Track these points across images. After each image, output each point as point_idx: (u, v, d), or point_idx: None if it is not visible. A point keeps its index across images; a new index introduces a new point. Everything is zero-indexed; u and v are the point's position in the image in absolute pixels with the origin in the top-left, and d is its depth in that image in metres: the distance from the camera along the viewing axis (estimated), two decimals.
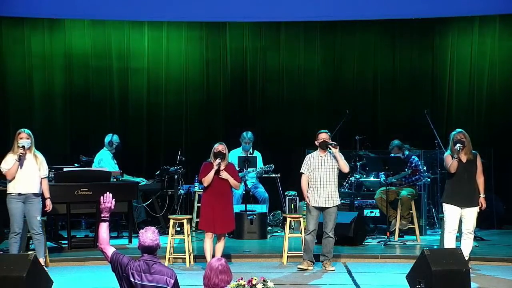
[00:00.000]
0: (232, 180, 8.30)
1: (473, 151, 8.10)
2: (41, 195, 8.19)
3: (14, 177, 8.04)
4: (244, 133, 11.19)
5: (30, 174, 8.07)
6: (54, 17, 12.32)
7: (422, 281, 6.61)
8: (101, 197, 5.09)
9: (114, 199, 5.11)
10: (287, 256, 8.88)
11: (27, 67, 12.44)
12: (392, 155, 10.45)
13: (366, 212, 10.93)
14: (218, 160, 8.21)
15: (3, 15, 12.06)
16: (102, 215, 5.10)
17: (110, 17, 12.37)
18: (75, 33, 12.58)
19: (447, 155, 8.12)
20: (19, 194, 8.04)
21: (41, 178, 8.17)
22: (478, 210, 8.08)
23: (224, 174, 8.24)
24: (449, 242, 7.95)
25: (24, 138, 8.04)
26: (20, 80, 12.45)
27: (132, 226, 10.15)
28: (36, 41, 12.46)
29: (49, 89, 12.54)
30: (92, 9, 12.00)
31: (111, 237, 5.35)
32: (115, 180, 10.17)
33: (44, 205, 8.24)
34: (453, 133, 8.12)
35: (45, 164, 8.25)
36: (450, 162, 7.98)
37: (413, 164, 10.42)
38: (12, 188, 8.07)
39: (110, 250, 5.02)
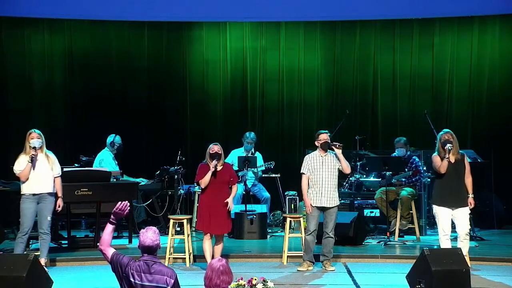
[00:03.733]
0: (234, 191, 8.34)
1: (460, 151, 8.10)
2: (54, 194, 8.23)
3: (27, 178, 8.06)
4: (247, 133, 11.20)
5: (43, 174, 8.11)
6: (54, 17, 12.33)
7: (422, 281, 6.61)
8: (120, 202, 5.09)
9: (129, 209, 5.13)
10: (287, 256, 8.87)
11: (27, 67, 12.45)
12: (397, 149, 10.42)
13: (366, 212, 10.92)
14: (214, 162, 8.13)
15: (3, 15, 12.07)
16: (112, 217, 5.11)
17: (110, 17, 12.38)
18: (75, 33, 12.59)
19: (434, 155, 8.09)
20: (34, 195, 8.07)
21: (54, 177, 8.21)
22: (469, 210, 8.07)
23: (234, 190, 8.29)
24: (445, 245, 7.91)
25: (35, 138, 8.07)
26: (20, 80, 12.46)
27: (132, 226, 10.13)
28: (36, 41, 12.47)
29: (49, 89, 12.55)
30: (92, 9, 12.02)
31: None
32: (115, 180, 10.16)
33: (56, 204, 8.25)
34: (440, 133, 8.11)
35: (57, 163, 8.30)
36: (440, 162, 7.96)
37: (413, 165, 10.42)
38: (26, 189, 8.09)
39: (110, 251, 5.02)
